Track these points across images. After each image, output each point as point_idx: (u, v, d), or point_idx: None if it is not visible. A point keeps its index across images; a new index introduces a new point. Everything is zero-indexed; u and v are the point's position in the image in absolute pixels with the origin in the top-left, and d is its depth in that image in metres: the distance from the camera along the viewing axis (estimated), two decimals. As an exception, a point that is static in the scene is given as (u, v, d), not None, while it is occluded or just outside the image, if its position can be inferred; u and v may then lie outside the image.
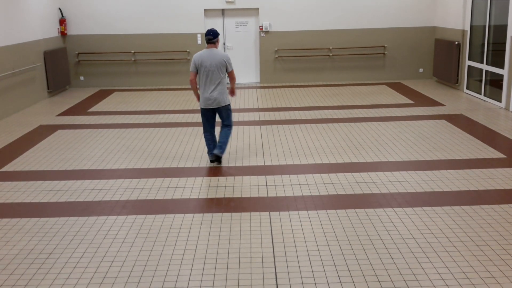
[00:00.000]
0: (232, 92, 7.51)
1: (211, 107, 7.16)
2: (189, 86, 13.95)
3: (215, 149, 7.29)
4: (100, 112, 11.01)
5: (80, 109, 11.43)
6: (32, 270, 4.60)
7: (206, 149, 8.09)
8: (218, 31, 7.23)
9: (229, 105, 7.29)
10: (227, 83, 7.30)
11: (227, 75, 7.30)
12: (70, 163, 7.61)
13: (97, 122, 10.14)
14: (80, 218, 5.67)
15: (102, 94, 13.15)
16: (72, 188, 6.58)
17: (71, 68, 14.11)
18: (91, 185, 6.69)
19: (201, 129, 9.32)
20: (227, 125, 7.36)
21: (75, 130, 9.55)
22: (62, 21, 13.65)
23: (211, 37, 7.11)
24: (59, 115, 10.85)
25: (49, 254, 4.88)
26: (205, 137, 7.42)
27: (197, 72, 7.17)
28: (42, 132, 9.41)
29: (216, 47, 7.18)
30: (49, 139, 8.92)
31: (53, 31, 13.28)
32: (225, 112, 7.28)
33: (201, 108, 7.27)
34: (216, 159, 7.32)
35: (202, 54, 7.10)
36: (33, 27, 12.11)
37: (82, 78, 14.21)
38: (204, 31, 13.90)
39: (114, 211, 5.84)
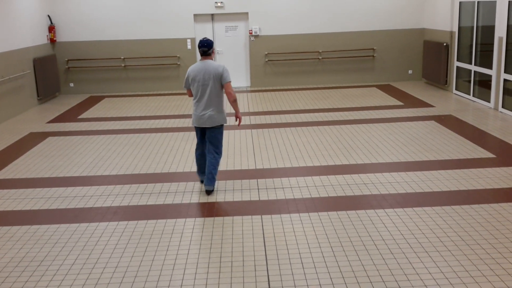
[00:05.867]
0: (236, 117, 6.51)
1: (202, 126, 6.34)
2: (180, 92, 13.95)
3: (205, 183, 6.44)
4: (91, 119, 10.98)
5: (70, 116, 11.40)
6: (23, 278, 4.58)
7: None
8: (210, 38, 6.26)
9: (222, 126, 6.42)
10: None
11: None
12: (61, 170, 7.58)
13: (87, 128, 10.11)
14: (71, 225, 5.65)
15: (92, 101, 13.12)
16: (63, 195, 6.56)
17: (60, 75, 14.07)
18: (82, 191, 6.67)
19: (191, 134, 9.33)
20: (215, 150, 6.42)
21: (66, 137, 9.52)
22: (51, 28, 13.62)
23: (206, 48, 6.24)
24: (49, 122, 10.82)
25: (41, 262, 4.86)
26: (195, 155, 6.66)
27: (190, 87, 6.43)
28: (32, 140, 9.37)
29: (211, 59, 6.36)
30: (39, 147, 8.89)
31: (42, 38, 13.24)
32: (216, 133, 6.38)
33: (194, 126, 6.48)
34: (207, 192, 6.50)
35: (195, 67, 6.31)
36: (22, 35, 12.07)
37: (72, 84, 14.17)
38: (194, 36, 13.92)
39: (105, 217, 5.82)
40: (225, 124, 6.51)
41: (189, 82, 6.40)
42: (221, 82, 6.27)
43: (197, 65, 6.35)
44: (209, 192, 6.45)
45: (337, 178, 6.83)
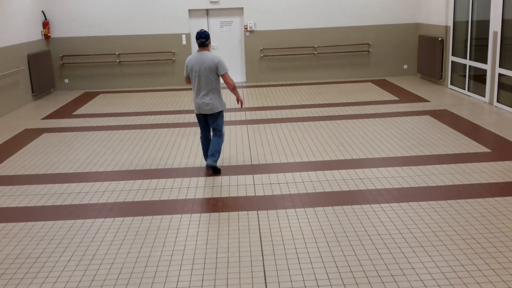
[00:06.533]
0: (237, 101, 7.06)
1: (203, 113, 6.84)
2: (176, 87, 13.93)
3: (208, 158, 6.90)
4: (86, 115, 10.95)
5: (65, 112, 11.36)
6: (19, 275, 4.57)
7: (193, 150, 8.09)
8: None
9: (222, 111, 6.94)
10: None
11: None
12: (56, 167, 7.56)
13: (82, 124, 10.08)
14: (67, 222, 5.64)
15: (87, 97, 13.08)
16: (58, 192, 6.55)
17: (55, 71, 14.01)
18: (78, 188, 6.66)
19: (187, 129, 9.32)
20: (217, 133, 6.97)
21: (61, 133, 9.49)
22: (46, 24, 13.56)
23: (204, 39, 6.69)
24: (44, 118, 10.78)
25: (37, 258, 4.86)
26: (201, 141, 7.15)
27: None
28: (27, 136, 9.34)
29: (208, 50, 6.80)
30: (34, 143, 8.86)
31: (36, 34, 13.17)
32: (216, 118, 6.89)
33: (195, 113, 6.97)
34: (212, 169, 6.95)
35: (192, 58, 6.78)
36: (16, 31, 12.00)
37: (66, 81, 14.12)
38: (189, 31, 13.89)
39: (101, 214, 5.82)
40: (225, 111, 7.06)
41: (187, 71, 6.88)
42: (217, 73, 6.74)
43: (195, 56, 6.80)
44: (212, 168, 6.92)
45: (332, 173, 6.83)
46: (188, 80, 6.97)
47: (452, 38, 12.15)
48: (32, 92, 12.67)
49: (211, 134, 7.07)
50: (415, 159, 7.26)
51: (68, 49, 13.92)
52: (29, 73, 12.51)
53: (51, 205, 6.13)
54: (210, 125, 6.98)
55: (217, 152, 6.91)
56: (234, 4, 13.87)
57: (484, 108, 10.18)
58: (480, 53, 10.91)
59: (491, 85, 10.48)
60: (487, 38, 10.49)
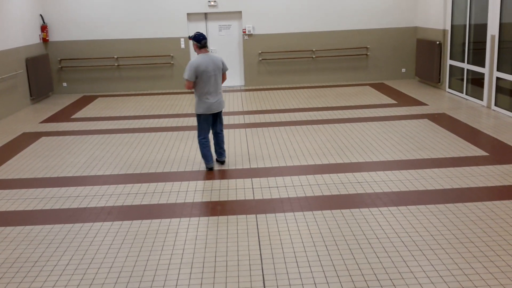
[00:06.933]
0: None
1: (216, 111, 7.17)
2: (174, 91, 13.93)
3: (221, 157, 7.50)
4: (84, 118, 10.95)
5: (63, 115, 11.36)
6: (17, 279, 4.56)
7: (191, 153, 8.09)
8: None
9: None
10: None
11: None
12: (55, 170, 7.55)
13: (81, 128, 10.08)
14: (66, 225, 5.64)
15: (86, 100, 13.08)
16: (56, 196, 6.54)
17: (53, 75, 14.01)
18: (76, 192, 6.65)
19: (185, 133, 9.31)
20: (222, 129, 7.47)
21: (59, 137, 9.49)
22: (44, 28, 13.56)
23: (206, 40, 7.06)
24: (42, 122, 10.77)
25: (35, 262, 4.85)
26: (203, 144, 7.21)
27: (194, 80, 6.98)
28: (25, 140, 9.33)
29: (208, 51, 7.18)
30: (32, 147, 8.86)
31: (34, 38, 13.18)
32: (221, 114, 7.40)
33: (202, 114, 7.10)
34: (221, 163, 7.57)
35: (203, 60, 6.94)
36: (14, 34, 12.01)
37: (65, 84, 14.12)
38: (187, 35, 13.89)
39: (99, 218, 5.81)
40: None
41: (196, 74, 6.93)
42: (222, 71, 7.21)
43: (203, 57, 7.01)
44: (223, 163, 7.53)
45: (331, 176, 6.84)
46: (192, 84, 7.03)
47: (450, 41, 12.18)
48: (31, 96, 12.66)
49: (216, 131, 7.44)
50: (414, 163, 7.27)
51: (66, 52, 13.92)
52: (27, 76, 12.51)
53: (50, 209, 6.13)
54: (217, 121, 7.36)
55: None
56: (232, 8, 13.89)
57: (482, 112, 10.20)
58: (478, 57, 10.94)
59: (489, 88, 10.51)
60: (485, 42, 10.52)
